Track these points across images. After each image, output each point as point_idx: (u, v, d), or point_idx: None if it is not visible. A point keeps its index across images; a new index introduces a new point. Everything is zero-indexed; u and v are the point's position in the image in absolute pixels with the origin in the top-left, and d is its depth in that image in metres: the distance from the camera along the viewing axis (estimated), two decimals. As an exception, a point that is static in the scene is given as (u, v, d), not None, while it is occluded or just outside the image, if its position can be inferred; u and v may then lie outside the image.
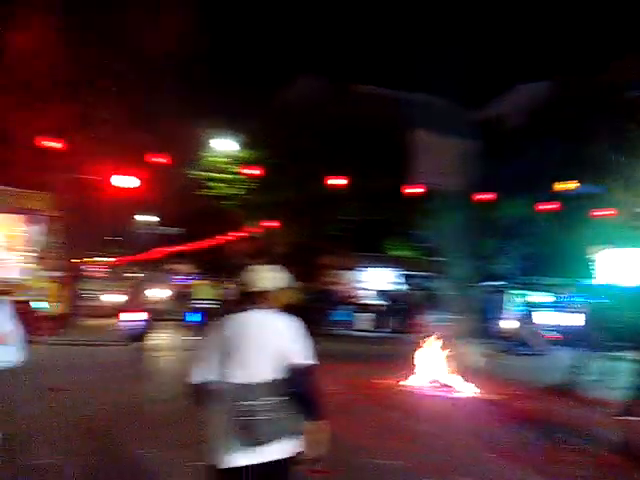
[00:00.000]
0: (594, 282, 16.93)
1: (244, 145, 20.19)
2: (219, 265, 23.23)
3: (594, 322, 15.32)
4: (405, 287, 18.23)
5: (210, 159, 20.13)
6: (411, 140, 24.29)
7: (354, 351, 13.20)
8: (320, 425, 2.38)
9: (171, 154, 14.49)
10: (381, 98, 24.61)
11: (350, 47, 47.08)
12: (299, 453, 2.38)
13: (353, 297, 18.69)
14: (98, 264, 27.87)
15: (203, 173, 20.04)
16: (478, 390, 8.19)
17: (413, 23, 50.08)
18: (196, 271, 24.05)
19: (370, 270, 20.61)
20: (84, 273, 21.07)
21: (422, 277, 20.95)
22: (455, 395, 8.03)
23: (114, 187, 15.41)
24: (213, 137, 19.93)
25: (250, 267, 2.69)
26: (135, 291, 12.73)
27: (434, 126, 24.07)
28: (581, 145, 20.93)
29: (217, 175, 20.23)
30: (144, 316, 11.42)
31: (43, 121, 13.11)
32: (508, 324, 17.91)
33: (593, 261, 13.12)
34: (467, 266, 20.36)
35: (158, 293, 18.30)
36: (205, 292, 13.93)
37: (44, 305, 12.11)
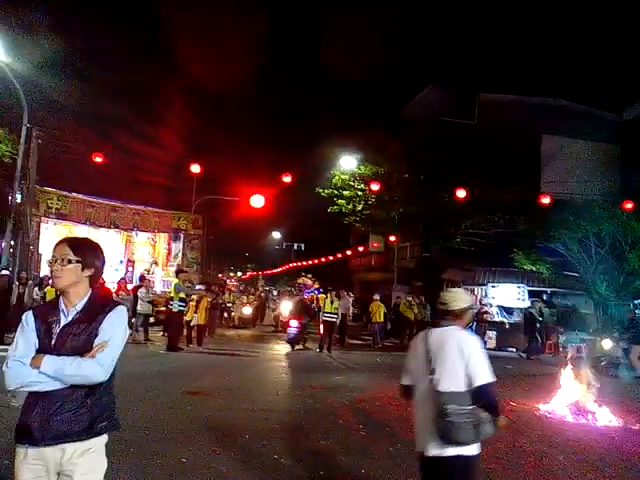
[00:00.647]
0: None
1: (366, 161, 20.52)
2: (342, 279, 23.74)
3: None
4: (535, 304, 17.06)
5: (338, 177, 20.68)
6: (544, 147, 22.96)
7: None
8: (500, 420, 2.97)
9: (301, 174, 15.32)
10: (509, 105, 23.62)
11: (478, 56, 45.66)
12: (476, 455, 2.91)
13: (481, 313, 17.99)
14: (232, 278, 29.94)
15: (333, 191, 20.64)
16: (618, 420, 7.48)
17: (542, 27, 47.32)
18: (319, 285, 24.81)
19: (497, 286, 19.67)
20: (222, 287, 22.77)
21: (554, 293, 19.55)
22: (596, 424, 7.41)
23: (250, 207, 16.59)
24: (342, 156, 20.48)
25: (449, 289, 3.28)
26: (295, 302, 15.74)
27: (569, 131, 22.53)
28: None
29: (342, 192, 20.76)
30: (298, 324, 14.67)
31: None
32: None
33: None
34: (609, 282, 18.58)
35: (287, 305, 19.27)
36: (328, 305, 14.44)
37: (193, 316, 13.40)
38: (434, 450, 2.87)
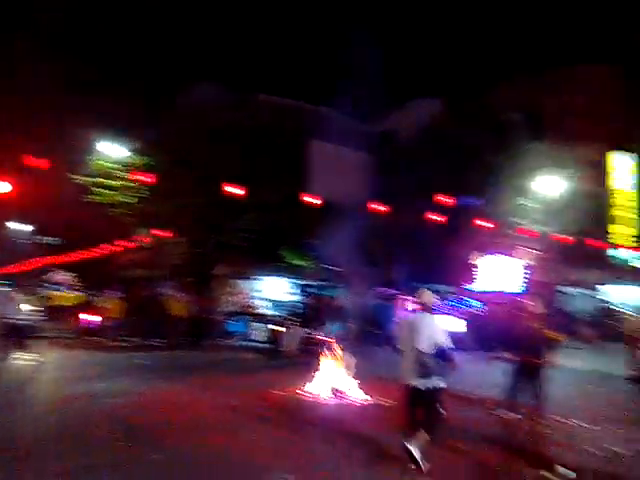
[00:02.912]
0: (475, 288, 18.13)
1: (136, 151, 19.10)
2: (106, 275, 21.75)
3: (474, 325, 16.46)
4: (302, 297, 18.25)
5: (97, 164, 18.74)
6: (310, 151, 24.62)
7: (252, 363, 12.89)
8: (452, 364, 5.11)
9: (51, 158, 13.28)
10: (280, 108, 24.73)
11: (251, 56, 46.79)
12: (441, 387, 5.02)
13: (249, 307, 18.35)
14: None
15: (89, 179, 18.61)
16: (370, 396, 8.31)
17: (315, 38, 51.09)
18: (78, 283, 22.31)
19: (267, 280, 20.42)
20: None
21: (319, 286, 21.15)
22: (349, 402, 8.08)
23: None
24: (101, 141, 18.64)
25: (422, 290, 5.52)
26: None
27: (333, 138, 24.62)
28: (465, 160, 22.42)
29: (104, 181, 18.88)
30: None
31: None
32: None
33: (475, 268, 14.09)
34: (362, 274, 20.90)
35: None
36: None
37: None
38: (416, 382, 4.99)
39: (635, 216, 30.13)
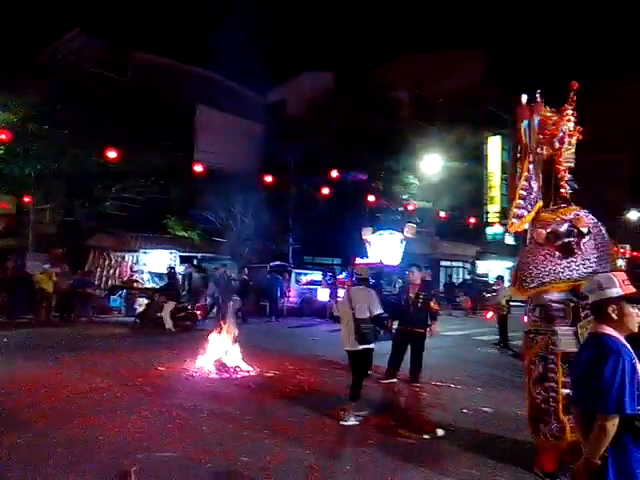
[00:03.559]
0: (365, 261, 18.61)
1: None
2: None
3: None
4: (187, 269, 17.46)
5: None
6: (196, 117, 23.46)
7: (133, 338, 12.10)
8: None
9: None
10: (165, 69, 23.18)
11: (134, 11, 43.36)
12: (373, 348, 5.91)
13: (129, 281, 17.24)
14: None
15: None
16: (255, 369, 8.16)
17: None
18: None
19: (150, 252, 19.29)
20: None
21: (204, 258, 20.48)
22: (236, 375, 7.85)
23: None
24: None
25: (361, 266, 7.23)
26: None
27: (221, 105, 23.65)
28: (358, 134, 22.73)
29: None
30: None
31: None
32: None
33: (365, 243, 14.42)
34: (251, 247, 20.56)
35: None
36: None
37: None
38: (354, 347, 5.76)
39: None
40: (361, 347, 5.74)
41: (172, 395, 6.60)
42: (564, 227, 4.53)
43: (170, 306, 13.35)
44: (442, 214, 24.99)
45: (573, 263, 4.36)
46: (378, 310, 5.83)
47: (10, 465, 4.24)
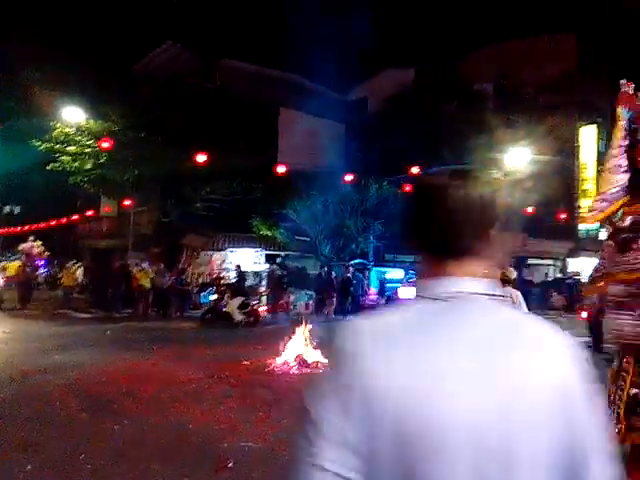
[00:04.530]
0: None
1: (97, 116, 18.24)
2: (68, 246, 21.12)
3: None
4: (273, 267, 18.07)
5: (60, 129, 17.81)
6: (281, 119, 24.13)
7: (227, 334, 12.76)
8: None
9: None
10: (250, 75, 24.06)
11: (220, 22, 45.22)
12: None
13: (217, 278, 18.13)
14: None
15: (50, 145, 17.75)
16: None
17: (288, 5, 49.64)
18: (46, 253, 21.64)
19: (236, 250, 20.16)
20: None
21: (287, 256, 21.03)
22: (317, 370, 8.06)
23: None
24: (63, 107, 17.71)
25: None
26: None
27: (303, 106, 24.14)
28: (439, 130, 22.28)
29: (64, 148, 18.01)
30: None
31: None
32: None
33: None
34: (333, 245, 20.82)
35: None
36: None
37: None
38: None
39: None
40: None
41: (255, 388, 6.94)
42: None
43: (237, 302, 13.95)
44: (529, 209, 23.84)
45: (631, 257, 4.12)
46: None
47: (105, 450, 4.68)
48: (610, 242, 4.43)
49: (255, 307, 14.83)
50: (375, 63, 30.56)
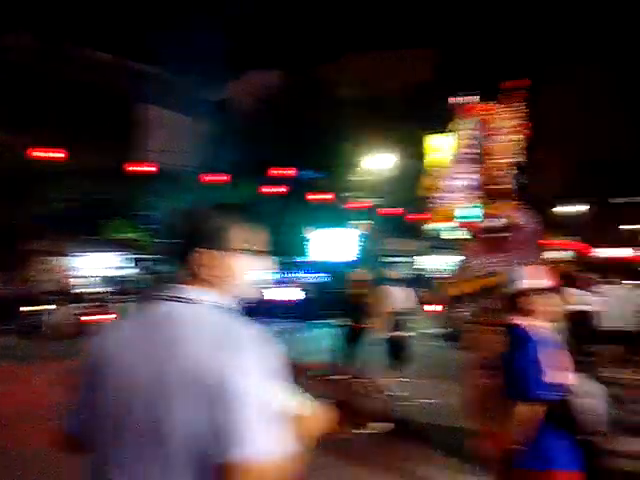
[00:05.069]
0: (309, 259, 18.64)
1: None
2: None
3: (309, 295, 17.02)
4: (135, 271, 17.01)
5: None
6: (139, 115, 22.84)
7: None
8: None
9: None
10: (104, 65, 22.38)
11: (66, 4, 41.43)
12: None
13: (67, 286, 16.63)
14: None
15: None
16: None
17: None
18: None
19: (90, 255, 18.62)
20: None
21: (152, 260, 19.99)
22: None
23: None
24: None
25: None
26: None
27: (165, 102, 23.12)
28: (303, 133, 22.75)
29: None
30: None
31: None
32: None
33: (308, 240, 14.46)
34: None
35: None
36: None
37: None
38: None
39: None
40: None
41: None
42: (495, 222, 4.69)
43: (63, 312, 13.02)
44: (387, 210, 25.33)
45: (497, 258, 4.53)
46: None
47: None
48: (472, 243, 4.80)
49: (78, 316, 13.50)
50: (241, 64, 30.31)
